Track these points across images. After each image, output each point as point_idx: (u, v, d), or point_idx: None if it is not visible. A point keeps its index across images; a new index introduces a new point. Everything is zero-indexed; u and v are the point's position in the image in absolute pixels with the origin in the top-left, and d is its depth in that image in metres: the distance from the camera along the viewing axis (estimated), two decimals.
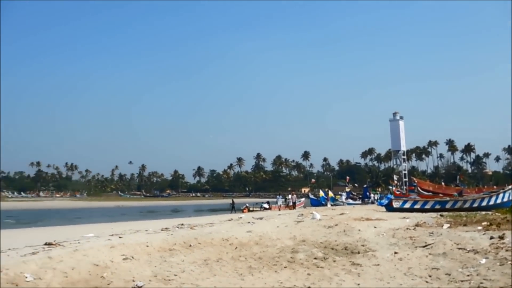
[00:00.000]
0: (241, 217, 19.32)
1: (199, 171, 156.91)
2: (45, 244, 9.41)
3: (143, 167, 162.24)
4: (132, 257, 8.52)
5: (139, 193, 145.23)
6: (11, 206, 66.64)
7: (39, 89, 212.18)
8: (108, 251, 8.64)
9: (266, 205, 39.09)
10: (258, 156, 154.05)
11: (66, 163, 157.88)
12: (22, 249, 8.69)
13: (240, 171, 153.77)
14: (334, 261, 8.82)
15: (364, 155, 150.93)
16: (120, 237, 10.53)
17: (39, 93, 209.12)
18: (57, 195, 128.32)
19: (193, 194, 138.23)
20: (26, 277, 6.54)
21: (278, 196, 42.08)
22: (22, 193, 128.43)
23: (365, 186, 57.96)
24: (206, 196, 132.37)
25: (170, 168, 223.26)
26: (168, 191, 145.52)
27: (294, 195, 40.52)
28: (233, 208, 38.64)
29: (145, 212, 50.99)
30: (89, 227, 18.88)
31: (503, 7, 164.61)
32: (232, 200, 43.87)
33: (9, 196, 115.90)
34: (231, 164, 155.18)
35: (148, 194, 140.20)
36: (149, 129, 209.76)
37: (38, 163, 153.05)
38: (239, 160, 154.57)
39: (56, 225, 22.33)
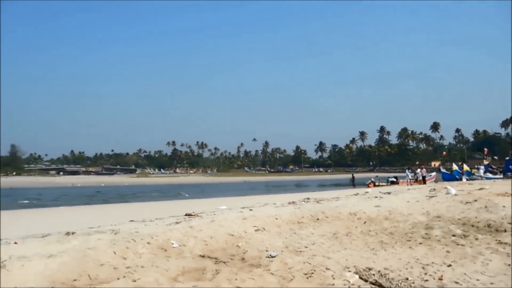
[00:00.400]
0: (367, 192, 18.82)
1: (320, 146, 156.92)
2: (186, 215, 10.29)
3: (266, 144, 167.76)
4: (264, 229, 8.88)
5: (263, 168, 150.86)
6: (154, 181, 74.72)
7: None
8: (241, 223, 9.13)
9: (393, 179, 37.56)
10: (382, 129, 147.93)
11: (197, 142, 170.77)
12: (167, 219, 9.63)
13: (363, 145, 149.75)
14: (476, 239, 8.09)
15: (505, 124, 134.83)
16: (250, 210, 11.03)
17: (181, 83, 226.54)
18: (191, 171, 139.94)
19: (316, 169, 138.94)
20: (173, 244, 7.24)
21: (407, 170, 40.04)
22: (161, 169, 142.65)
23: (507, 158, 51.74)
24: (329, 171, 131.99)
25: (292, 144, 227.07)
26: (291, 167, 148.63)
27: (424, 169, 38.06)
28: (353, 183, 37.93)
29: (270, 186, 52.89)
30: (222, 200, 20.21)
31: None
32: (352, 175, 43.04)
33: (151, 172, 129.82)
34: (353, 139, 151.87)
35: (272, 170, 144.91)
36: (271, 107, 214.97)
37: (174, 143, 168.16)
38: (362, 134, 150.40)
39: (193, 198, 24.42)
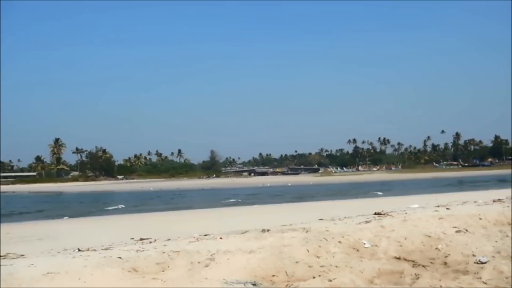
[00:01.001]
0: None
1: None
2: (375, 213, 9.91)
3: (457, 135, 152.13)
4: (466, 230, 7.90)
5: (455, 163, 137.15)
6: (338, 179, 75.43)
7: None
8: (437, 223, 8.31)
9: None
10: None
11: (379, 138, 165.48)
12: (355, 218, 9.42)
13: None
14: None
15: None
16: (447, 208, 10.01)
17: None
18: (374, 169, 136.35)
19: None
20: (364, 244, 7.00)
21: None
22: (344, 168, 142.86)
23: None
24: None
25: (488, 134, 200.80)
26: (489, 160, 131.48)
27: None
28: None
29: (465, 182, 47.58)
30: (412, 198, 19.02)
31: None
32: None
33: (334, 171, 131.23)
34: None
35: (466, 164, 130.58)
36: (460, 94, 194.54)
37: (354, 140, 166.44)
38: None
39: (382, 197, 23.66)
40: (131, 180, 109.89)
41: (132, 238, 8.15)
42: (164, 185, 72.17)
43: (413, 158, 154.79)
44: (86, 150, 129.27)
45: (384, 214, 9.67)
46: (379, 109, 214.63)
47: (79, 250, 6.67)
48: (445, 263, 5.88)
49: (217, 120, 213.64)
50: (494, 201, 11.84)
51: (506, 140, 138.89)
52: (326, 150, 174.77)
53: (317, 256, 6.20)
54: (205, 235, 7.75)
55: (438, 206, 10.77)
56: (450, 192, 23.59)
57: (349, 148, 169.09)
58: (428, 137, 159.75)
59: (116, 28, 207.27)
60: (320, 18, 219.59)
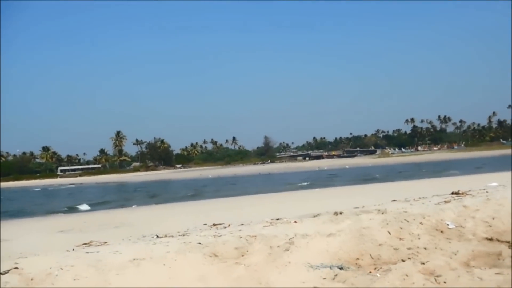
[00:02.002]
0: None
1: None
2: (452, 193, 9.38)
3: None
4: None
5: None
6: (397, 160, 73.15)
7: None
8: None
9: None
10: None
11: (439, 116, 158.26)
12: (431, 198, 8.96)
13: None
14: None
15: None
16: None
17: None
18: (434, 148, 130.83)
19: None
20: (448, 225, 6.60)
21: None
22: (402, 149, 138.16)
23: None
24: None
25: None
26: None
27: None
28: None
29: None
30: (488, 176, 17.93)
31: None
32: None
33: (392, 152, 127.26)
34: None
35: None
36: None
37: (412, 120, 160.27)
38: None
39: (450, 176, 22.45)
40: (189, 169, 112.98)
41: (205, 224, 8.22)
42: (221, 172, 73.58)
43: (477, 136, 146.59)
44: (146, 141, 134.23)
45: (462, 194, 9.12)
46: (437, 86, 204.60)
47: (157, 236, 6.80)
48: None
49: (270, 106, 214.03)
50: None
51: None
52: (383, 131, 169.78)
53: (400, 238, 5.91)
54: (277, 219, 7.65)
55: None
56: None
57: (407, 128, 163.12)
58: (494, 113, 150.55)
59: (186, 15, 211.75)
60: None
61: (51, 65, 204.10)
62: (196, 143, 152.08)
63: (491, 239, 5.79)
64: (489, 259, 4.94)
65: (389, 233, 6.10)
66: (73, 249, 6.08)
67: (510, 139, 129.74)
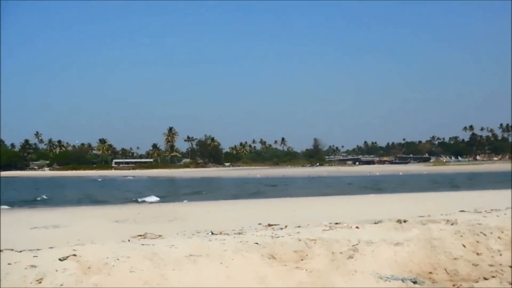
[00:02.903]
0: None
1: None
2: None
3: None
4: None
5: None
6: (454, 169, 69.73)
7: None
8: None
9: None
10: None
11: (501, 124, 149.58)
12: (505, 210, 8.20)
13: None
14: None
15: None
16: None
17: None
18: (495, 158, 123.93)
19: None
20: None
21: None
22: (459, 157, 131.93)
23: None
24: None
25: None
26: None
27: None
28: None
29: None
30: None
31: None
32: None
33: (447, 161, 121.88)
34: None
35: None
36: None
37: (471, 127, 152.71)
38: None
39: None
40: (237, 167, 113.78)
41: (260, 224, 7.98)
42: (269, 172, 73.36)
43: None
44: (196, 138, 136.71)
45: None
46: (498, 92, 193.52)
47: (212, 233, 6.63)
48: None
49: (322, 109, 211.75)
50: None
51: None
52: (438, 138, 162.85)
53: (477, 253, 5.35)
54: (336, 223, 7.27)
55: None
56: None
57: (465, 136, 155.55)
58: None
59: None
60: None
61: (111, 69, 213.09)
62: (246, 142, 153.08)
63: None
64: None
65: (464, 246, 5.55)
66: (128, 240, 6.02)
67: None
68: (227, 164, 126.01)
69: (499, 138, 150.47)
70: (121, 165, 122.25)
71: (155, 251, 4.94)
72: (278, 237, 5.85)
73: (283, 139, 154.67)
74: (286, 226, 7.13)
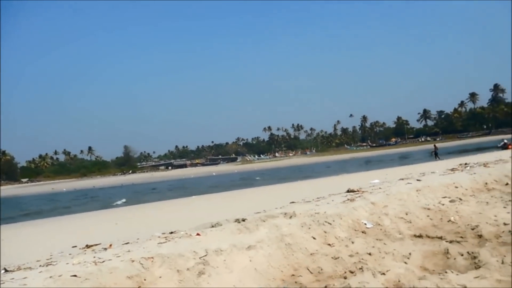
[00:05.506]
0: None
1: (425, 114, 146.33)
2: (348, 191, 9.05)
3: (364, 119, 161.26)
4: (460, 199, 7.31)
5: (364, 144, 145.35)
6: (260, 166, 75.57)
7: None
8: (421, 195, 7.64)
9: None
10: (496, 87, 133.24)
11: (293, 124, 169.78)
12: (328, 197, 8.44)
13: (474, 108, 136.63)
14: None
15: None
16: (418, 180, 9.45)
17: None
18: (290, 154, 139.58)
19: (422, 139, 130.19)
20: (365, 224, 6.03)
21: None
22: (261, 155, 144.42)
23: None
24: (438, 139, 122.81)
25: (391, 116, 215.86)
26: (393, 139, 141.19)
27: None
28: (436, 154, 32.20)
29: (394, 159, 49.10)
30: (364, 175, 18.72)
31: None
32: (434, 145, 36.46)
33: (252, 159, 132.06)
34: (462, 102, 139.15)
35: (374, 144, 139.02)
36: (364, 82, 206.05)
37: (269, 128, 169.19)
38: (472, 95, 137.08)
39: (324, 177, 23.05)
40: (38, 183, 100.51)
41: (75, 246, 6.33)
42: (78, 184, 66.55)
43: (325, 142, 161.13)
44: None
45: (358, 191, 8.81)
46: (291, 96, 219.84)
47: (6, 270, 4.81)
48: (480, 235, 5.01)
49: (131, 113, 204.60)
50: (451, 170, 11.72)
51: (407, 121, 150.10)
52: (243, 139, 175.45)
53: (329, 244, 5.04)
54: (171, 232, 6.22)
55: (403, 179, 10.22)
56: (391, 167, 23.83)
57: (265, 136, 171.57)
58: (338, 121, 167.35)
59: None
60: None
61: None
62: (46, 154, 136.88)
63: (420, 236, 5.27)
64: (437, 259, 4.31)
65: (314, 238, 5.19)
66: None
67: (352, 145, 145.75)
68: (24, 180, 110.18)
69: (292, 136, 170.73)
70: None
71: None
72: (103, 261, 4.50)
73: (90, 148, 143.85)
74: (110, 245, 5.72)
